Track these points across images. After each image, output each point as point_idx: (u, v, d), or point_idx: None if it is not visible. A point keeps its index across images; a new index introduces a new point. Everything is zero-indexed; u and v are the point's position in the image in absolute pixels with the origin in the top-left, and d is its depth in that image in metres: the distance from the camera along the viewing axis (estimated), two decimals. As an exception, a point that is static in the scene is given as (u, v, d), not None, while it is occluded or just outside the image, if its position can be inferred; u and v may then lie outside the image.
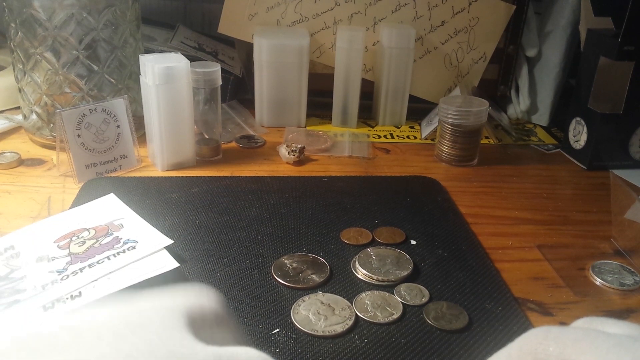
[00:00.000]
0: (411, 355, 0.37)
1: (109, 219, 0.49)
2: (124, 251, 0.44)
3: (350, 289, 0.43)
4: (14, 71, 0.64)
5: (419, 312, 0.41)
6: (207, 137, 0.64)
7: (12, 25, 0.60)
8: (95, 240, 0.46)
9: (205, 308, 0.23)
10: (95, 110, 0.58)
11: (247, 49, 0.80)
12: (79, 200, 0.53)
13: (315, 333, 0.38)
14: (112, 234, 0.47)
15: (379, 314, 0.40)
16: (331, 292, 0.43)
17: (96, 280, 0.41)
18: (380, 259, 0.46)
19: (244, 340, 0.27)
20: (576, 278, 0.46)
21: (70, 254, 0.44)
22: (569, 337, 0.22)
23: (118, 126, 0.60)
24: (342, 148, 0.69)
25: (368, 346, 0.38)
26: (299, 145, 0.64)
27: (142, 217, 0.49)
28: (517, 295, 0.44)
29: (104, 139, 0.59)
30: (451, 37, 0.77)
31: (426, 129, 0.75)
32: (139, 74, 0.60)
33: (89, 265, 0.42)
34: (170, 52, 0.60)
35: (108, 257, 0.43)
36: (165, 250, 0.44)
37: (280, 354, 0.37)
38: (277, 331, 0.39)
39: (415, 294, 0.43)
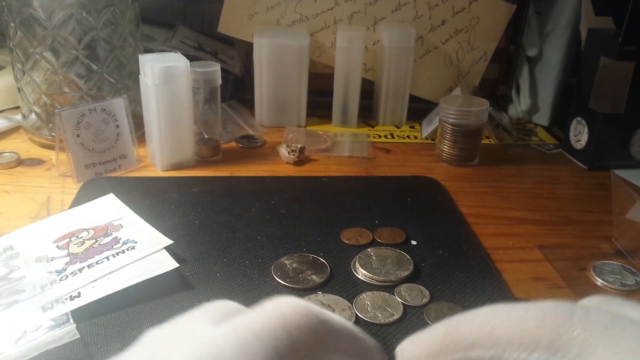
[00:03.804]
0: (412, 356, 0.37)
1: (108, 219, 0.49)
2: (123, 251, 0.44)
3: (350, 289, 0.43)
4: (13, 71, 0.64)
5: (420, 312, 0.41)
6: (206, 137, 0.64)
7: (12, 24, 0.60)
8: (94, 241, 0.46)
9: (294, 337, 0.21)
10: (94, 110, 0.58)
11: (247, 49, 0.80)
12: (78, 201, 0.53)
13: (316, 334, 0.38)
14: (111, 234, 0.47)
15: (380, 315, 0.40)
16: (331, 293, 0.42)
17: (95, 280, 0.41)
18: (380, 259, 0.46)
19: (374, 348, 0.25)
20: (577, 278, 0.46)
21: (69, 254, 0.44)
22: (596, 323, 0.21)
23: (117, 126, 0.60)
24: (342, 148, 0.69)
25: (368, 347, 0.37)
26: (299, 145, 0.64)
27: (141, 217, 0.49)
28: (517, 295, 0.43)
29: (104, 138, 0.59)
30: (452, 37, 0.77)
31: (427, 128, 0.75)
32: (138, 73, 0.60)
33: (88, 266, 0.42)
34: (169, 51, 0.60)
35: (107, 258, 0.43)
36: (164, 251, 0.44)
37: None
38: (277, 332, 0.38)
39: (416, 294, 0.43)
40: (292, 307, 0.22)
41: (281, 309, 0.22)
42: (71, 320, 0.38)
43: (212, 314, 0.23)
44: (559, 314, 0.22)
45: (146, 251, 0.44)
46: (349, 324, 0.24)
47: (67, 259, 0.44)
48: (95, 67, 0.61)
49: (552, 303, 0.22)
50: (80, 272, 0.42)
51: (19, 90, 0.64)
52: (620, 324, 0.21)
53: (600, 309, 0.22)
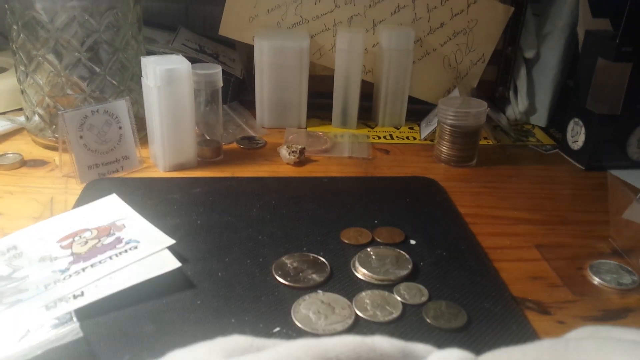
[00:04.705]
0: (410, 354, 0.37)
1: (111, 219, 0.49)
2: (126, 251, 0.44)
3: (350, 288, 0.44)
4: (16, 73, 0.64)
5: (418, 311, 0.41)
6: (208, 138, 0.65)
7: (14, 27, 0.60)
8: (97, 240, 0.46)
9: None
10: (97, 111, 0.58)
11: (247, 51, 0.80)
12: (81, 201, 0.54)
13: (316, 332, 0.38)
14: (114, 234, 0.47)
15: (379, 313, 0.41)
16: (331, 292, 0.43)
17: (98, 280, 0.41)
18: (379, 258, 0.47)
19: None
20: (574, 277, 0.47)
21: (72, 253, 0.45)
22: (589, 345, 0.23)
23: (120, 127, 0.60)
24: (342, 149, 0.69)
25: (368, 344, 0.38)
26: (300, 146, 0.65)
27: (144, 217, 0.50)
28: (515, 294, 0.44)
29: (106, 140, 0.59)
30: (450, 39, 0.77)
31: (425, 129, 0.75)
32: (140, 75, 0.60)
33: (92, 265, 0.43)
34: (171, 54, 0.61)
35: (110, 257, 0.44)
36: (167, 250, 0.45)
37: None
38: (278, 330, 0.39)
39: (415, 293, 0.43)
40: (302, 350, 0.22)
41: (292, 352, 0.22)
42: (74, 319, 0.38)
43: (227, 349, 0.24)
44: (554, 349, 0.23)
45: (149, 251, 0.44)
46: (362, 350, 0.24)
47: (71, 258, 0.44)
48: (97, 70, 0.62)
49: (547, 341, 0.24)
50: (84, 271, 0.42)
51: (22, 92, 0.65)
52: (611, 344, 0.22)
53: (590, 337, 0.24)
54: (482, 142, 0.73)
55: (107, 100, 0.62)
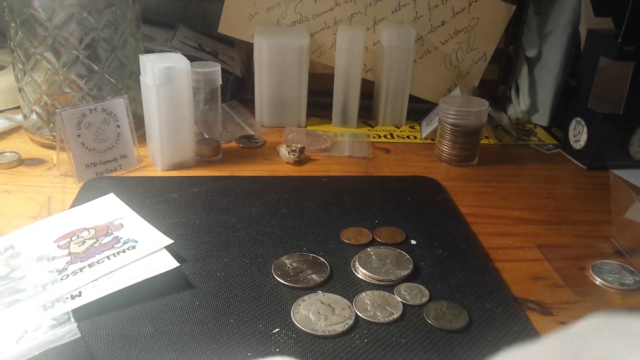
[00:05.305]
0: (411, 355, 0.37)
1: (109, 219, 0.49)
2: (124, 251, 0.44)
3: (350, 288, 0.43)
4: (14, 71, 0.64)
5: (419, 311, 0.41)
6: (207, 137, 0.64)
7: (12, 25, 0.60)
8: (95, 240, 0.46)
9: None
10: (95, 110, 0.58)
11: (247, 49, 0.80)
12: (79, 200, 0.53)
13: (315, 333, 0.38)
14: (112, 233, 0.47)
15: (379, 314, 0.40)
16: (331, 292, 0.43)
17: (96, 280, 0.41)
18: (380, 258, 0.46)
19: None
20: (576, 278, 0.46)
21: (70, 253, 0.44)
22: (610, 338, 0.22)
23: (118, 126, 0.60)
24: (342, 148, 0.69)
25: (368, 346, 0.38)
26: (299, 145, 0.64)
27: (142, 216, 0.49)
28: (517, 295, 0.44)
29: (104, 138, 0.59)
30: (451, 37, 0.77)
31: (426, 129, 0.75)
32: (139, 73, 0.60)
33: (89, 265, 0.43)
34: (170, 52, 0.60)
35: (108, 257, 0.43)
36: (165, 250, 0.44)
37: (280, 354, 0.36)
38: (277, 331, 0.39)
39: (415, 293, 0.43)
40: None
41: None
42: (72, 319, 0.38)
43: None
44: (559, 346, 0.22)
45: (147, 250, 0.44)
46: None
47: (68, 258, 0.44)
48: (96, 68, 0.61)
49: (552, 340, 0.23)
50: (81, 271, 0.42)
51: (20, 90, 0.64)
52: (625, 341, 0.21)
53: (595, 332, 0.22)
54: (484, 141, 0.72)
55: (105, 99, 0.61)
